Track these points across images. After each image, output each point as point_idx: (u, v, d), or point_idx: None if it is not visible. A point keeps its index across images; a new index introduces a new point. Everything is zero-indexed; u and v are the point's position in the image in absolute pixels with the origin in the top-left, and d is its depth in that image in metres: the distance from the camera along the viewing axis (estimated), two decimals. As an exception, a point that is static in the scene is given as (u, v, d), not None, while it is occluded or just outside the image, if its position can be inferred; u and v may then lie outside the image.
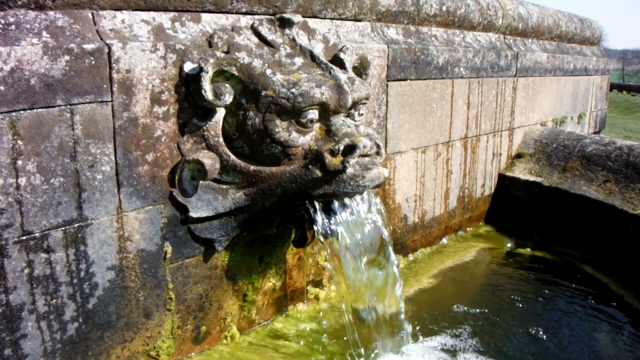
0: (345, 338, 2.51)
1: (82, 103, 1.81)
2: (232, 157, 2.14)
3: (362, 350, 2.47)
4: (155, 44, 1.97)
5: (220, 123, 2.15)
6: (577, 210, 3.91)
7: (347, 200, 2.32)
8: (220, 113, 2.14)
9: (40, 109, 1.71)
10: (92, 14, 1.88)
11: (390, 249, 2.53)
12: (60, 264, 1.85)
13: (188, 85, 2.06)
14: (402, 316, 2.59)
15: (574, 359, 2.61)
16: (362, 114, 2.34)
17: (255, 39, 2.23)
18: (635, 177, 3.73)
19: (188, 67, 2.04)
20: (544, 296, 3.24)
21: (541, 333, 2.77)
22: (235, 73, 2.07)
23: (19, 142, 1.68)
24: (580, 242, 3.87)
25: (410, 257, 3.66)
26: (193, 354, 2.40)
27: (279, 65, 2.18)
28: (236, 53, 2.11)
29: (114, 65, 1.86)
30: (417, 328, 2.70)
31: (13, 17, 1.70)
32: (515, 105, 4.54)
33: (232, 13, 2.28)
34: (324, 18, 2.70)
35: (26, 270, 1.77)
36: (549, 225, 4.10)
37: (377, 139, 2.21)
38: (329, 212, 2.29)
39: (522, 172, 4.43)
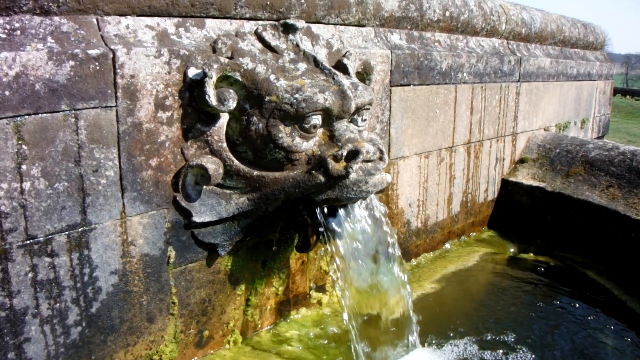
0: (348, 343, 2.50)
1: (87, 108, 1.81)
2: (236, 162, 2.14)
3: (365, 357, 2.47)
4: (159, 50, 1.98)
5: (224, 128, 2.15)
6: (580, 215, 3.90)
7: (350, 206, 2.33)
8: (224, 118, 2.15)
9: (44, 114, 1.72)
10: (97, 20, 1.89)
11: (398, 253, 2.53)
12: (64, 268, 1.86)
13: (192, 90, 2.07)
14: (412, 324, 2.58)
15: (577, 365, 2.62)
16: (365, 120, 2.34)
17: (259, 45, 2.24)
18: (638, 182, 3.72)
19: (192, 72, 2.05)
20: (547, 302, 3.23)
21: (544, 339, 2.76)
22: (239, 78, 2.08)
23: (23, 146, 1.69)
24: (583, 248, 3.86)
25: (413, 262, 3.66)
26: (196, 358, 2.40)
27: (283, 71, 2.18)
28: (240, 58, 2.12)
29: (119, 70, 1.87)
30: (420, 334, 2.70)
31: (18, 22, 1.71)
32: (519, 111, 4.54)
33: (236, 19, 2.29)
34: (328, 23, 2.71)
35: (30, 274, 1.77)
36: (552, 230, 4.10)
37: (380, 144, 2.21)
38: (332, 217, 2.29)
39: (525, 177, 4.43)
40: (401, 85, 3.17)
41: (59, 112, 1.75)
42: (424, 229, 3.71)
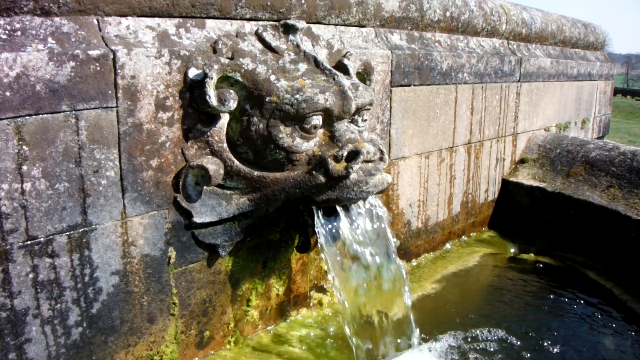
0: (349, 344, 2.50)
1: (87, 109, 1.82)
2: (236, 162, 2.14)
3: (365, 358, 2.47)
4: (160, 50, 1.98)
5: (225, 129, 2.16)
6: (580, 215, 3.90)
7: (350, 206, 2.32)
8: (225, 119, 2.15)
9: (45, 115, 1.72)
10: (97, 20, 1.89)
11: (395, 255, 2.53)
12: (64, 268, 1.86)
13: (192, 91, 2.07)
14: (412, 323, 2.58)
15: (577, 366, 2.62)
16: (365, 120, 2.34)
17: (259, 45, 2.24)
18: (638, 182, 3.72)
19: (192, 73, 2.05)
20: (548, 302, 3.23)
21: (545, 339, 2.76)
22: (240, 79, 2.08)
23: (24, 147, 1.69)
24: (583, 248, 3.86)
25: (414, 262, 3.66)
26: (196, 358, 2.40)
27: (283, 71, 2.18)
28: (240, 59, 2.12)
29: (119, 71, 1.87)
30: (421, 334, 2.70)
31: (19, 23, 1.71)
32: (519, 111, 4.54)
33: (237, 19, 2.29)
34: (328, 24, 2.71)
35: (31, 275, 1.78)
36: (552, 230, 4.10)
37: (380, 145, 2.21)
38: (332, 217, 2.29)
39: (525, 177, 4.43)
40: (402, 85, 3.17)
41: (59, 112, 1.75)
42: (425, 229, 3.71)
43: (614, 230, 3.65)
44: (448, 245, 3.99)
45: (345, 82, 2.20)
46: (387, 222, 2.49)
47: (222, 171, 2.11)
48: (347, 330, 2.39)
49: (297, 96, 2.07)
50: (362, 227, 2.37)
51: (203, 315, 2.38)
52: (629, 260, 3.51)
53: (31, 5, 1.72)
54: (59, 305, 1.87)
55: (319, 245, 2.36)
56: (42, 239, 1.78)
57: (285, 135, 2.11)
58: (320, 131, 2.19)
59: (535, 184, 4.29)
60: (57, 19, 1.79)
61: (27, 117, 1.68)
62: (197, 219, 2.16)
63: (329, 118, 2.17)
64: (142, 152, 2.00)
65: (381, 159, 2.19)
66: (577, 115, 5.95)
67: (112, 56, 1.85)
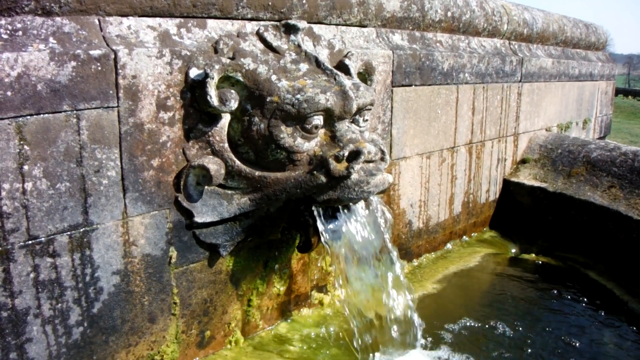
0: (350, 344, 2.50)
1: (89, 108, 1.82)
2: (237, 162, 2.14)
3: (367, 356, 2.47)
4: (161, 50, 1.98)
5: (226, 129, 2.15)
6: (581, 215, 3.90)
7: (351, 206, 2.32)
8: (226, 119, 2.15)
9: (46, 115, 1.72)
10: (99, 20, 1.89)
11: (395, 255, 2.53)
12: (65, 268, 1.86)
13: (194, 91, 2.07)
14: (415, 322, 2.58)
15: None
16: (366, 120, 2.34)
17: (260, 45, 2.24)
18: (640, 183, 3.73)
19: (194, 73, 2.05)
20: (549, 302, 3.23)
21: (545, 339, 2.76)
22: (241, 79, 2.08)
23: (25, 147, 1.69)
24: (585, 248, 3.86)
25: (415, 262, 3.66)
26: (197, 358, 2.40)
27: (285, 72, 2.18)
28: (242, 59, 2.12)
29: (120, 71, 1.87)
30: (422, 333, 2.69)
31: (20, 23, 1.71)
32: (520, 111, 4.53)
33: (238, 19, 2.29)
34: (329, 24, 2.71)
35: (32, 275, 1.78)
36: (553, 230, 4.10)
37: (381, 145, 2.21)
38: (333, 217, 2.29)
39: (526, 177, 4.42)
40: (403, 85, 3.17)
41: (60, 112, 1.75)
42: (426, 229, 3.70)
43: (615, 230, 3.65)
44: (449, 246, 3.99)
45: (347, 82, 2.20)
46: (388, 222, 2.49)
47: (223, 171, 2.11)
48: (353, 329, 2.39)
49: (298, 96, 2.07)
50: (364, 227, 2.37)
51: (204, 315, 2.38)
52: (630, 260, 3.51)
53: (32, 5, 1.72)
54: (60, 304, 1.87)
55: (320, 245, 2.36)
56: (43, 239, 1.78)
57: (287, 135, 2.11)
58: (322, 131, 2.19)
59: (536, 184, 4.29)
60: (58, 18, 1.79)
61: (29, 117, 1.68)
62: (199, 219, 2.16)
63: (330, 118, 2.17)
64: (144, 151, 2.00)
65: (382, 159, 2.19)
66: (579, 116, 5.95)
67: (113, 56, 1.85)
